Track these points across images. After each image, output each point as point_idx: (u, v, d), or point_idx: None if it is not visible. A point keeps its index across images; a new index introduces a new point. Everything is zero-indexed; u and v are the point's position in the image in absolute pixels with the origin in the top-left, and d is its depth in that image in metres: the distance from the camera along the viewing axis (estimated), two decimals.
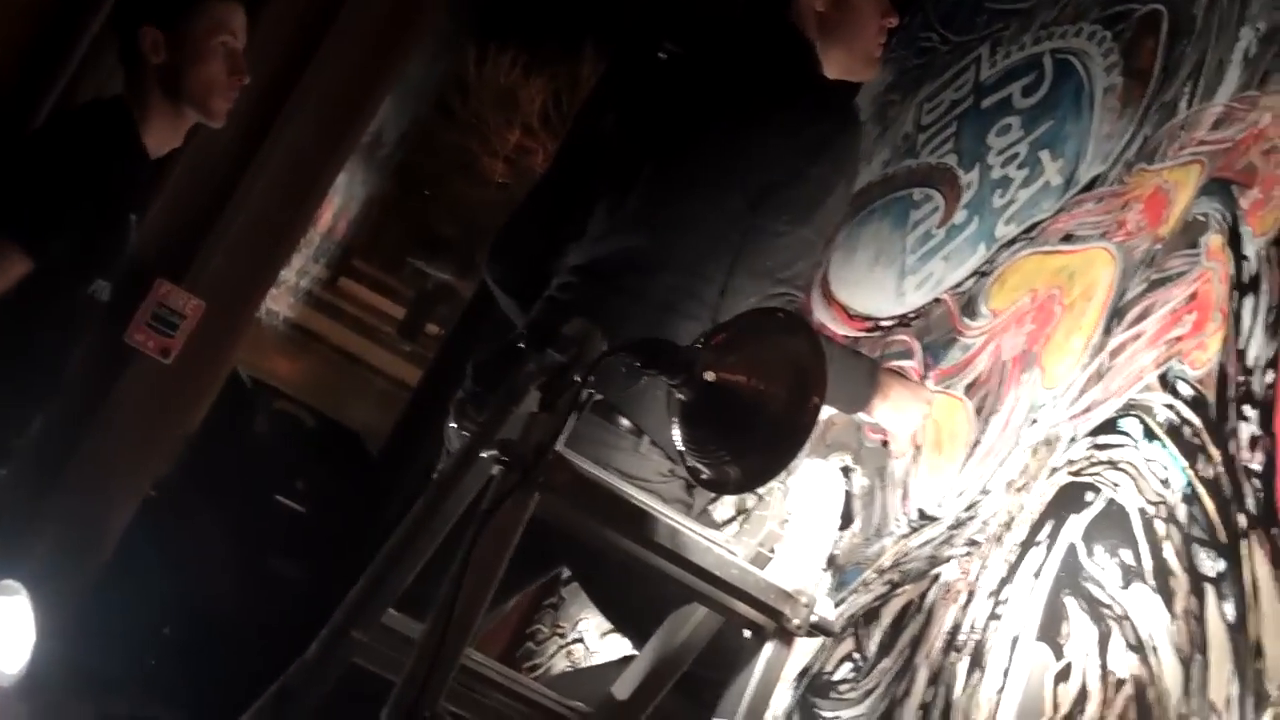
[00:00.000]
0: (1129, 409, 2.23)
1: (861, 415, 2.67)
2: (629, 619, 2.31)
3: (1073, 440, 2.31)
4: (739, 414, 1.71)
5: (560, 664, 3.48)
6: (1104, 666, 2.00)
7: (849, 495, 2.82)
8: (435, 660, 1.69)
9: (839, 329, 3.36)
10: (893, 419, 2.61)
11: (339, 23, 3.40)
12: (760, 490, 2.97)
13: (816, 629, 1.90)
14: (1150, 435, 2.15)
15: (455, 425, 2.29)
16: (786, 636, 1.89)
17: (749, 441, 1.72)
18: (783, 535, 1.95)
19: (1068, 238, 2.69)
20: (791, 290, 2.28)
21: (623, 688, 2.01)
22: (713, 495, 2.95)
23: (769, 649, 1.89)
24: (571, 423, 1.77)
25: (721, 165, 2.24)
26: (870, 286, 3.35)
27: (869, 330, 3.23)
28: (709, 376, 1.70)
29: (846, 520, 1.97)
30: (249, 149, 3.35)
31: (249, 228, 3.44)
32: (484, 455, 1.83)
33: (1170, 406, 2.14)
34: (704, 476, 1.77)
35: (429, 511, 1.93)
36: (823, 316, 3.45)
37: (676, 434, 1.77)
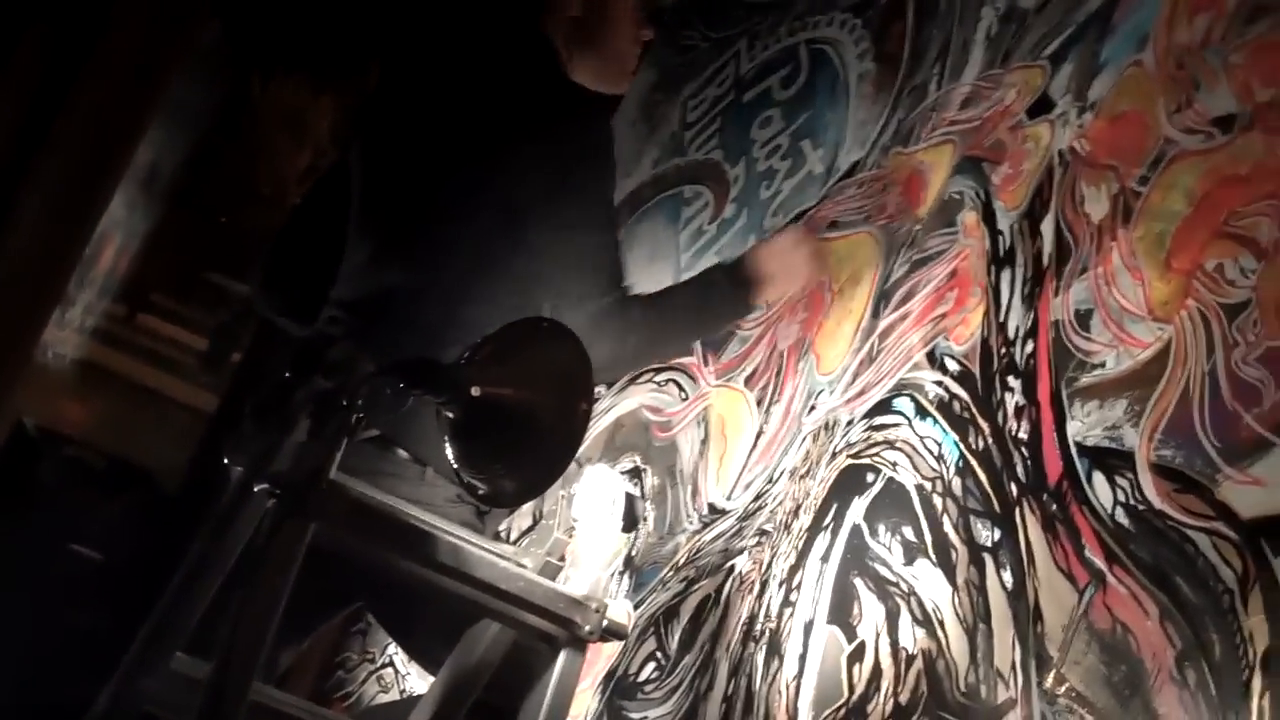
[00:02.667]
0: (901, 388, 2.28)
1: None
2: (423, 645, 2.28)
3: (850, 424, 2.35)
4: (509, 426, 1.70)
5: (372, 690, 3.42)
6: (894, 643, 2.04)
7: (641, 496, 2.84)
8: (219, 702, 1.65)
9: None
10: (787, 283, 2.59)
11: (92, 61, 3.30)
12: (545, 499, 2.99)
13: (609, 633, 1.89)
14: (922, 413, 2.20)
15: (228, 462, 2.23)
16: (579, 644, 1.89)
17: (521, 453, 1.71)
18: (570, 543, 1.94)
19: (833, 225, 2.74)
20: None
21: (420, 714, 1.98)
22: (508, 513, 2.94)
23: (563, 657, 1.89)
24: (343, 448, 1.73)
25: (475, 184, 2.22)
26: (649, 287, 3.36)
27: None
28: (475, 391, 1.68)
29: (631, 522, 1.97)
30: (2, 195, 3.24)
31: (9, 277, 3.32)
32: (257, 489, 1.79)
33: (939, 383, 2.20)
34: (480, 492, 1.75)
35: (208, 550, 1.88)
36: None
37: (449, 451, 1.75)
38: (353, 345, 1.76)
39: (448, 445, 1.74)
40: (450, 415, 1.71)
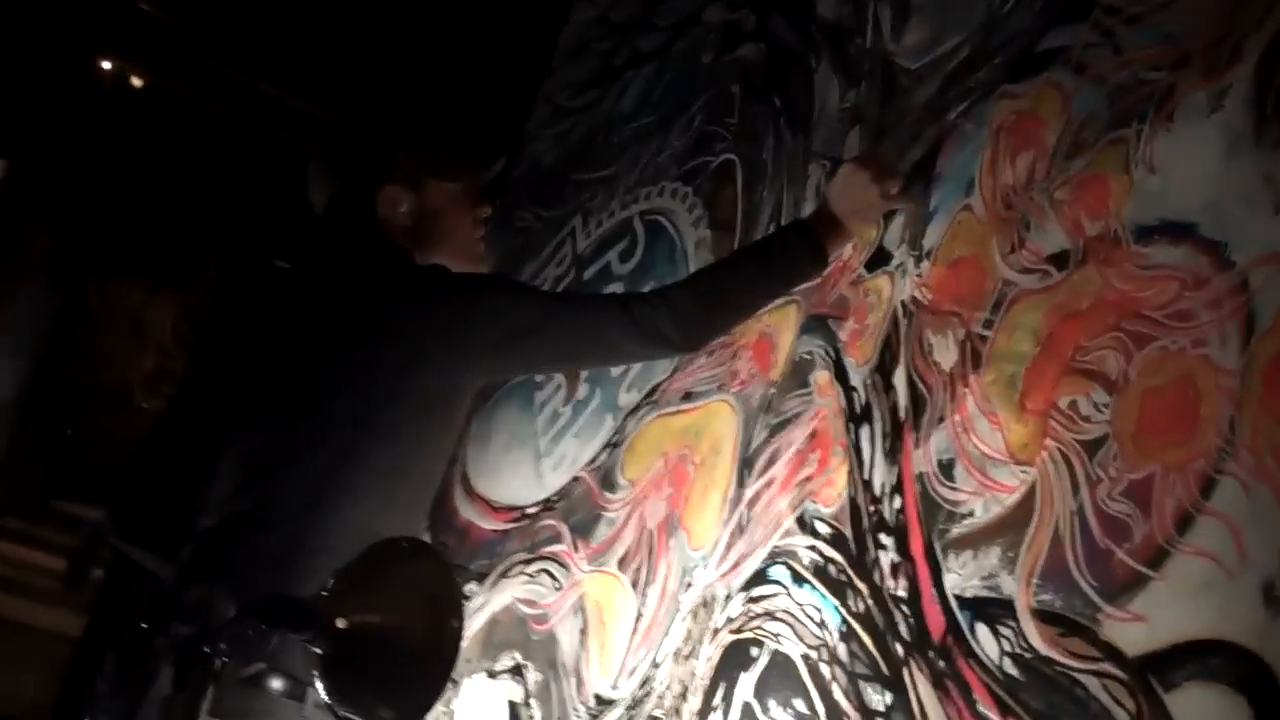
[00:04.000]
0: (775, 557, 2.27)
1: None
2: None
3: (728, 598, 2.34)
4: (379, 655, 1.66)
5: None
6: None
7: (524, 698, 2.79)
8: None
9: (486, 523, 3.34)
10: (860, 220, 2.37)
11: None
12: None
13: None
14: (799, 579, 2.20)
15: None
16: None
17: (395, 681, 1.67)
18: None
19: (688, 396, 2.76)
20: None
21: None
22: None
23: None
24: (211, 695, 1.68)
25: (333, 395, 2.19)
26: (509, 474, 3.35)
27: (515, 520, 3.22)
28: (341, 624, 1.64)
29: None
30: None
31: None
32: None
33: (812, 547, 2.20)
34: None
35: None
36: (468, 513, 3.43)
37: (320, 688, 1.70)
38: (210, 585, 1.71)
39: (318, 681, 1.69)
40: (318, 650, 1.67)
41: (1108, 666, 1.61)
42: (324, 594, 1.70)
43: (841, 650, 2.04)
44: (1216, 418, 1.60)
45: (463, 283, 2.27)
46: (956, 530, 1.93)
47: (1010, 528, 1.84)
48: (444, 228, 2.39)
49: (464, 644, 2.67)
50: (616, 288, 3.22)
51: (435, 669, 1.68)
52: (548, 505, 3.10)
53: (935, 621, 1.90)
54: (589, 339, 2.23)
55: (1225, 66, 1.82)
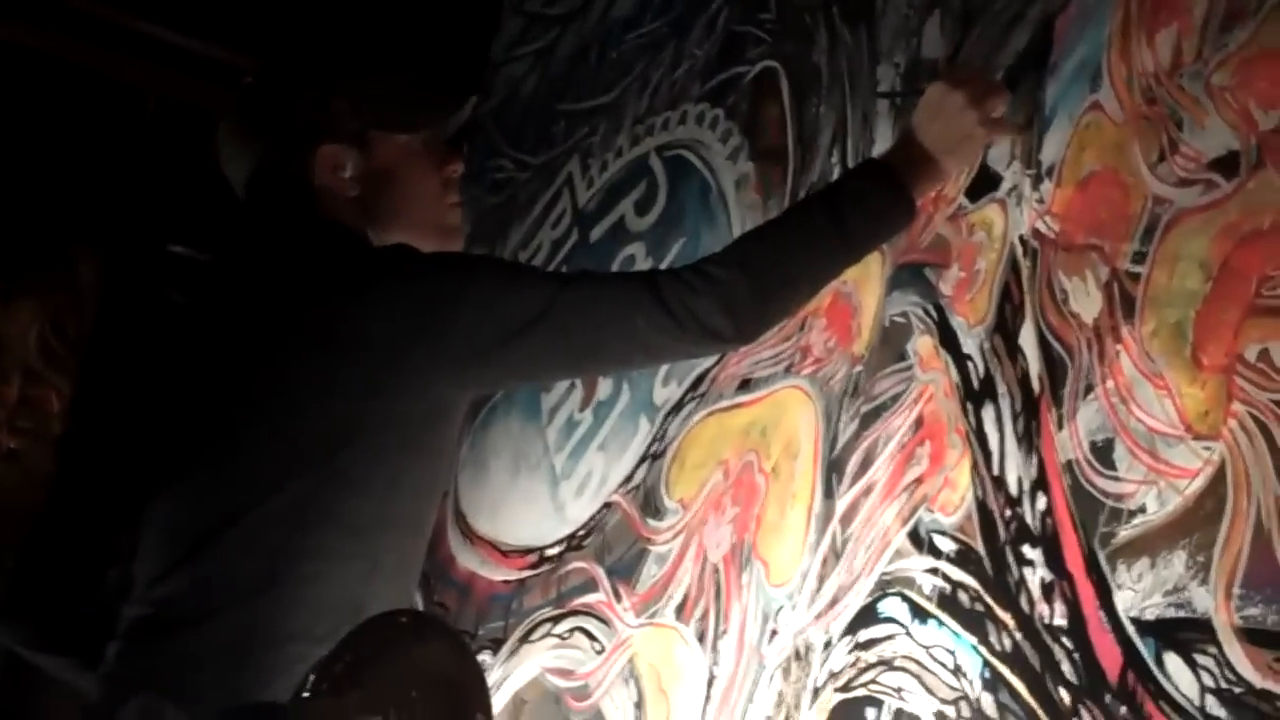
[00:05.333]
0: (885, 587, 2.27)
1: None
2: None
3: (829, 645, 2.34)
4: None
5: None
6: None
7: None
8: None
9: (494, 573, 3.35)
10: (956, 156, 2.34)
11: None
12: None
13: None
14: (921, 615, 2.19)
15: None
16: None
17: None
18: None
19: (746, 384, 2.75)
20: None
21: None
22: None
23: None
24: None
25: (280, 431, 2.19)
26: (518, 506, 3.36)
27: (533, 566, 3.23)
28: None
29: None
30: None
31: None
32: None
33: (934, 570, 2.20)
34: None
35: None
36: (468, 561, 3.44)
37: None
38: (148, 698, 1.72)
39: None
40: None
41: None
42: (304, 695, 1.70)
43: (987, 703, 2.04)
44: None
45: (436, 266, 2.25)
46: (1125, 533, 1.93)
47: (1196, 524, 1.83)
48: (403, 194, 2.38)
49: None
50: (636, 250, 3.22)
51: None
52: (574, 543, 3.11)
53: (1109, 655, 1.89)
54: (608, 334, 2.20)
55: None
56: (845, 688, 2.28)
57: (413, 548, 2.28)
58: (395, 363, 2.15)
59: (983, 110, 2.25)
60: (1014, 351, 2.19)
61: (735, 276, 2.17)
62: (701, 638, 2.66)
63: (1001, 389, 2.19)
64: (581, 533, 3.10)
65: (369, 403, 2.15)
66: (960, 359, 2.28)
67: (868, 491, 2.37)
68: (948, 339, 2.32)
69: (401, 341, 2.15)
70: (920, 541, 2.24)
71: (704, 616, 2.67)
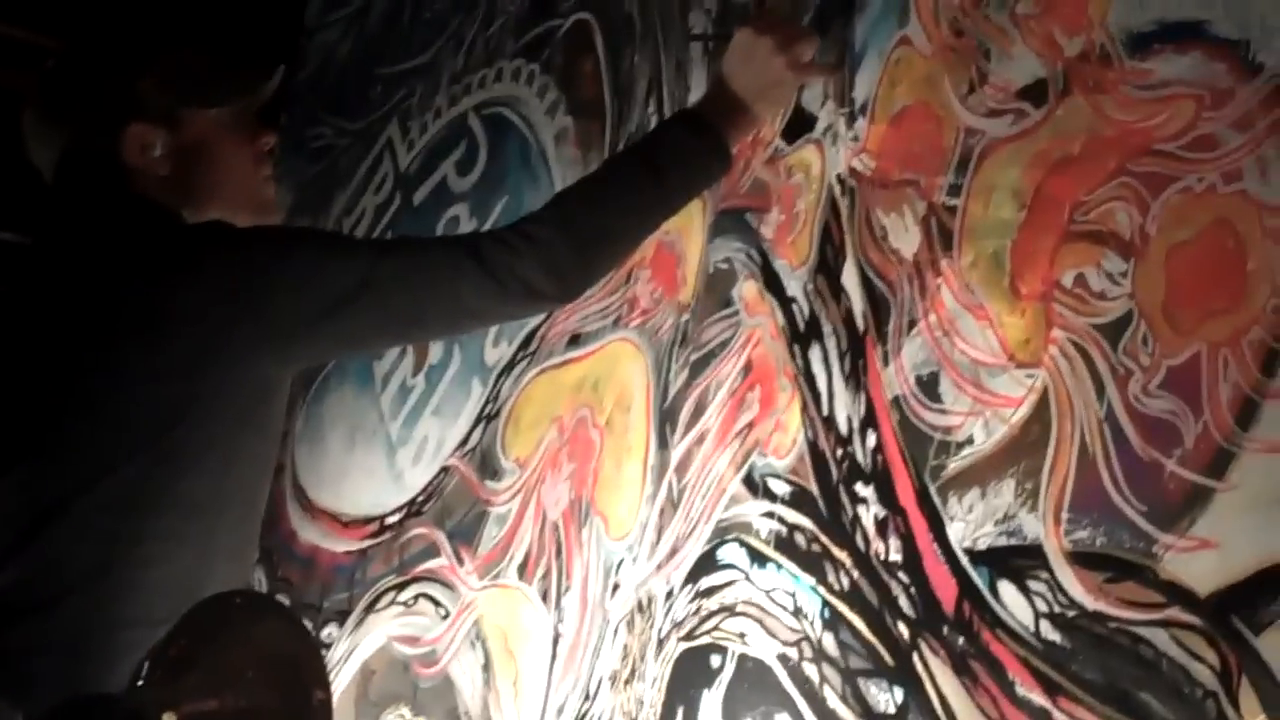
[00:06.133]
0: (723, 533, 2.27)
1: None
2: None
3: (670, 595, 2.34)
4: None
5: None
6: None
7: None
8: None
9: (336, 545, 3.33)
10: (768, 101, 2.33)
11: None
12: None
13: None
14: (759, 559, 2.20)
15: None
16: None
17: None
18: None
19: (576, 339, 2.75)
20: None
21: None
22: None
23: None
24: None
25: (104, 417, 2.14)
26: (356, 476, 3.34)
27: (374, 535, 3.21)
28: (170, 718, 1.61)
29: None
30: None
31: None
32: None
33: (770, 514, 2.20)
34: None
35: None
36: (310, 535, 3.42)
37: None
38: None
39: None
40: None
41: (1176, 613, 1.62)
42: (139, 683, 1.66)
43: (828, 642, 2.05)
44: (1268, 270, 1.60)
45: (252, 241, 2.22)
46: (954, 465, 1.93)
47: (1023, 451, 1.84)
48: (215, 170, 2.35)
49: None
50: (459, 212, 3.20)
51: None
52: (413, 510, 3.10)
53: (945, 587, 1.90)
54: (432, 300, 2.19)
55: None
56: (689, 636, 2.28)
57: (248, 525, 2.25)
58: (217, 342, 2.12)
59: (792, 55, 2.25)
60: (837, 291, 2.19)
61: (555, 234, 2.16)
62: (545, 596, 2.65)
63: (827, 329, 2.20)
64: (421, 499, 3.09)
65: (194, 383, 2.12)
66: (785, 301, 2.28)
67: (701, 439, 2.37)
68: (771, 282, 2.32)
69: (221, 320, 2.12)
70: (755, 486, 2.24)
71: (546, 575, 2.66)
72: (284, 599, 3.35)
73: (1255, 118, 1.66)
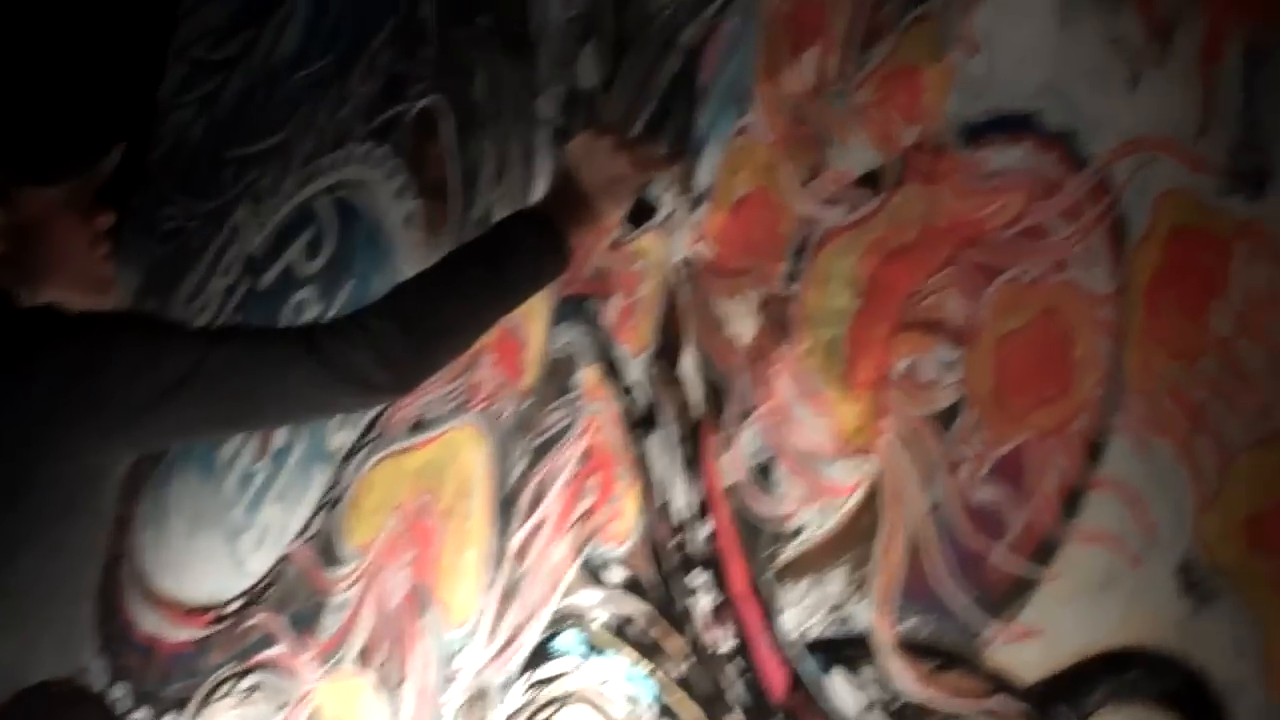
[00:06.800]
0: (560, 622, 2.25)
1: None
2: None
3: (507, 685, 2.31)
4: None
5: None
6: None
7: None
8: None
9: (176, 633, 3.27)
10: (610, 198, 2.29)
11: None
12: None
13: None
14: (595, 647, 2.18)
15: None
16: None
17: None
18: None
19: (419, 425, 2.72)
20: None
21: None
22: None
23: None
24: None
25: None
26: (198, 563, 3.28)
27: (214, 623, 3.15)
28: None
29: None
30: None
31: None
32: None
33: (606, 602, 2.18)
34: None
35: None
36: (150, 623, 3.36)
37: None
38: None
39: None
40: None
41: (1001, 701, 1.62)
42: None
43: None
44: (1094, 360, 1.61)
45: (84, 327, 2.18)
46: (788, 553, 1.93)
47: (854, 540, 1.84)
48: (51, 249, 2.31)
49: None
50: (307, 295, 3.17)
51: None
52: (254, 597, 3.05)
53: (775, 676, 1.89)
54: (264, 390, 2.14)
55: None
56: None
57: (74, 612, 2.20)
58: (47, 431, 2.08)
59: (630, 153, 2.24)
60: (676, 378, 2.19)
61: (392, 328, 2.13)
62: (383, 685, 2.61)
63: (665, 417, 2.19)
64: (261, 586, 3.04)
65: (24, 468, 2.07)
66: (624, 388, 2.27)
67: (540, 528, 2.35)
68: (612, 369, 2.31)
69: (52, 410, 2.08)
70: (592, 574, 2.22)
71: (385, 664, 2.62)
72: (124, 688, 3.29)
73: (1083, 208, 1.68)
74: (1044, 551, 1.61)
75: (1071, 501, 1.60)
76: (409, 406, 2.74)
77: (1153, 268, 1.59)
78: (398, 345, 2.11)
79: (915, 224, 1.89)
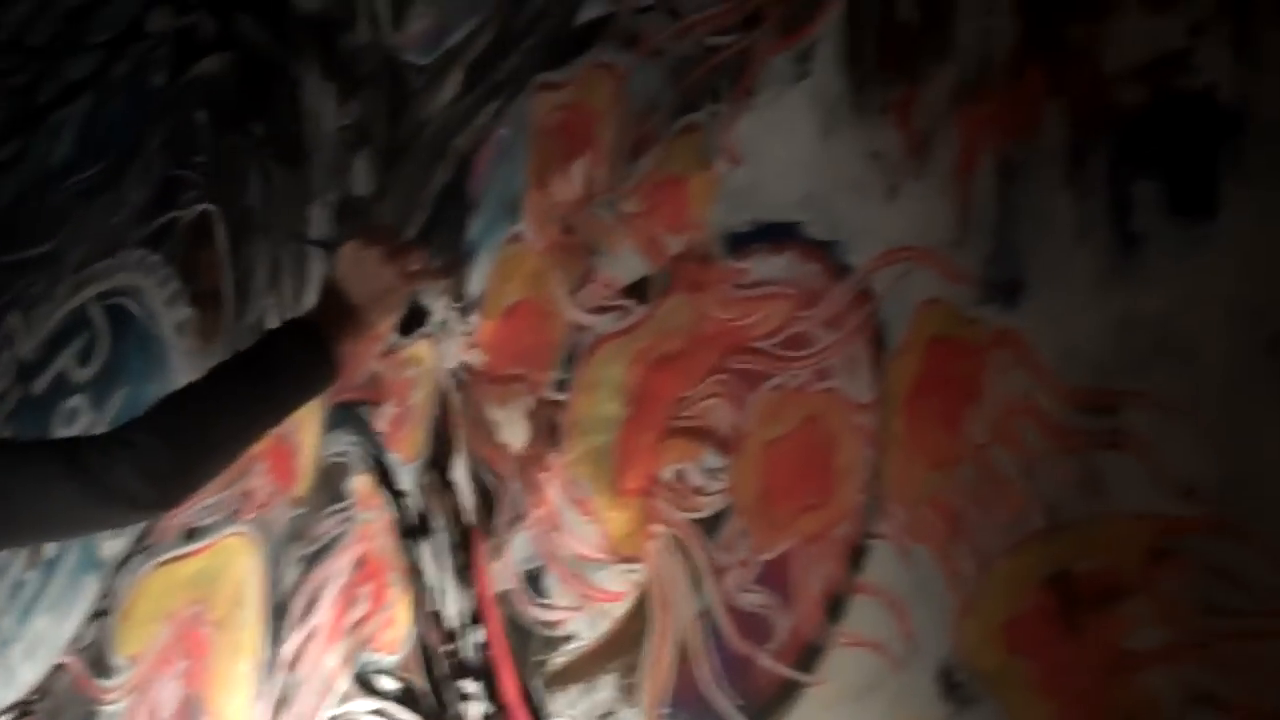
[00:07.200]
0: None
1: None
2: None
3: None
4: None
5: None
6: None
7: None
8: None
9: None
10: (378, 308, 2.21)
11: None
12: None
13: None
14: None
15: None
16: None
17: None
18: None
19: (192, 534, 2.66)
20: None
21: None
22: None
23: None
24: None
25: None
26: None
27: None
28: None
29: None
30: None
31: None
32: None
33: (379, 712, 2.14)
34: None
35: None
36: None
37: None
38: None
39: None
40: None
41: None
42: None
43: None
44: (856, 468, 1.62)
45: None
46: (558, 660, 1.90)
47: (624, 647, 1.82)
48: None
49: None
50: (79, 403, 3.10)
51: None
52: (24, 709, 2.96)
53: None
54: (22, 507, 2.05)
55: (807, 17, 1.86)
56: None
57: None
58: None
59: (398, 262, 2.21)
60: (448, 485, 2.16)
61: (157, 442, 2.06)
62: None
63: (438, 524, 2.16)
64: (34, 697, 2.94)
65: None
66: (398, 496, 2.24)
67: (312, 637, 2.30)
68: (385, 476, 2.28)
69: None
70: (365, 683, 2.18)
71: None
72: None
73: (845, 317, 1.69)
74: (809, 656, 1.61)
75: (835, 607, 1.59)
76: (182, 514, 2.68)
77: (911, 376, 1.60)
78: (163, 461, 2.05)
79: (682, 332, 1.88)
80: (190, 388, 2.21)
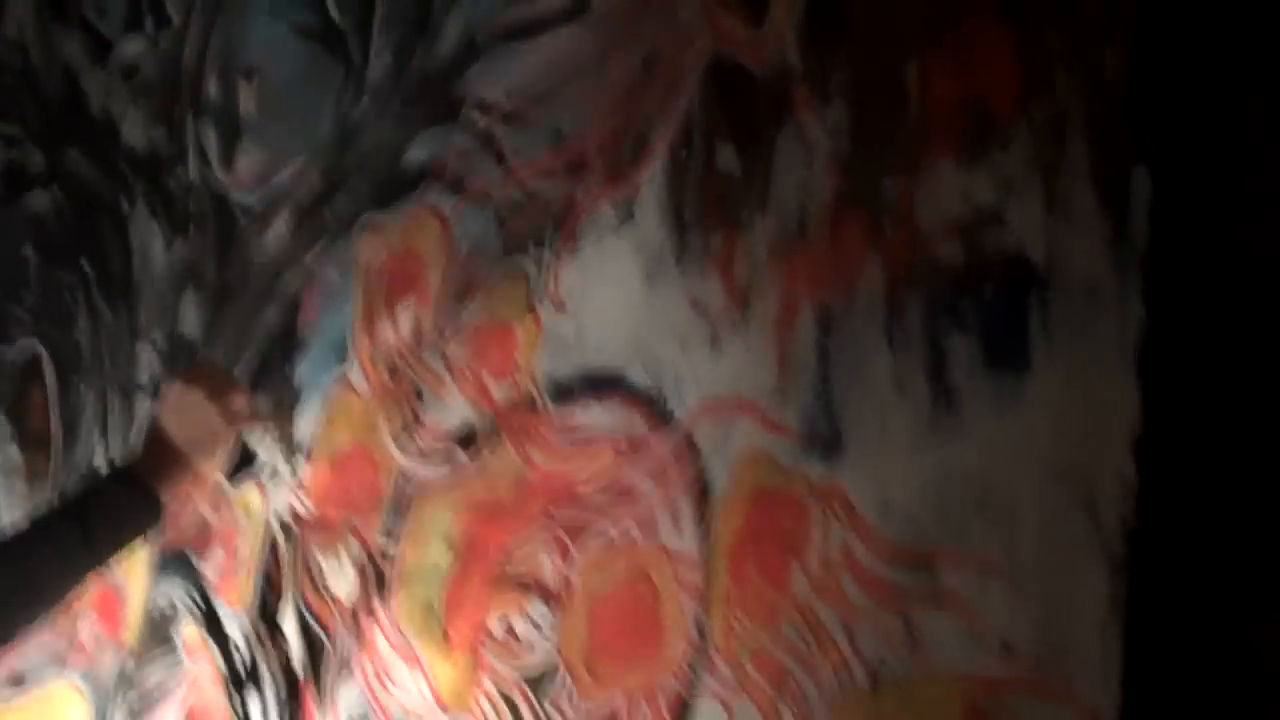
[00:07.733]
0: None
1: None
2: None
3: None
4: None
5: None
6: None
7: None
8: None
9: None
10: (202, 449, 2.22)
11: None
12: None
13: None
14: None
15: None
16: None
17: None
18: None
19: (17, 681, 2.58)
20: None
21: None
22: None
23: None
24: None
25: None
26: None
27: None
28: None
29: None
30: None
31: None
32: None
33: None
34: None
35: None
36: None
37: None
38: None
39: None
40: None
41: None
42: None
43: None
44: (681, 622, 1.58)
45: None
46: None
47: None
48: None
49: None
50: None
51: None
52: None
53: None
54: None
55: (630, 165, 1.84)
56: None
57: None
58: None
59: (223, 404, 2.16)
60: (276, 635, 2.11)
61: None
62: None
63: (266, 674, 2.10)
64: None
65: None
66: (225, 647, 2.18)
67: None
68: (213, 625, 2.22)
69: None
70: None
71: None
72: None
73: (669, 468, 1.66)
74: None
75: None
76: (7, 656, 2.60)
77: (735, 529, 1.57)
78: None
79: (509, 481, 1.85)
80: (15, 538, 2.15)
